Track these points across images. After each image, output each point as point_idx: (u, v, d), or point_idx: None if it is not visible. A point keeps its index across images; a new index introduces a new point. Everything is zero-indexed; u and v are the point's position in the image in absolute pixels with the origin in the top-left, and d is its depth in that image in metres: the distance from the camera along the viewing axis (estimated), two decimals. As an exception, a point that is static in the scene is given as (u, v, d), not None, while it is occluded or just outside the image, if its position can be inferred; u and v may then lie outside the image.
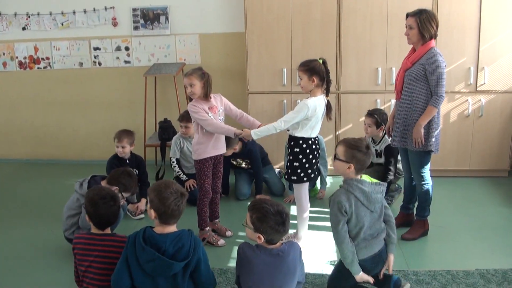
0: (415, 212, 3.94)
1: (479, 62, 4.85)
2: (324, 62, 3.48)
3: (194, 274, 2.61)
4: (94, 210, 2.77)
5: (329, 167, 4.85)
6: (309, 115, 3.44)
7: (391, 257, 2.97)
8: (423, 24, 3.52)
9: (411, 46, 3.72)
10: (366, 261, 2.88)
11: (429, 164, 3.75)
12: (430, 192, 3.78)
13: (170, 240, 2.52)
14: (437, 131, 3.66)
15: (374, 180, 2.94)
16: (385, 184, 2.96)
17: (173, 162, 4.68)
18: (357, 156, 2.82)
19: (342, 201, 2.78)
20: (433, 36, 3.58)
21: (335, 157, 2.92)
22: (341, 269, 2.97)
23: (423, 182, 3.74)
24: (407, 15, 3.64)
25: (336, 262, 3.35)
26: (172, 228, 2.60)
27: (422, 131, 3.57)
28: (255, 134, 3.53)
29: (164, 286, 2.55)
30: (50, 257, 3.69)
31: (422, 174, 3.73)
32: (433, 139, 3.62)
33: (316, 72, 3.43)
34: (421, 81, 3.57)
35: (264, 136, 3.58)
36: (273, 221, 2.51)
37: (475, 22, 4.77)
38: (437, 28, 3.57)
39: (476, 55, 4.84)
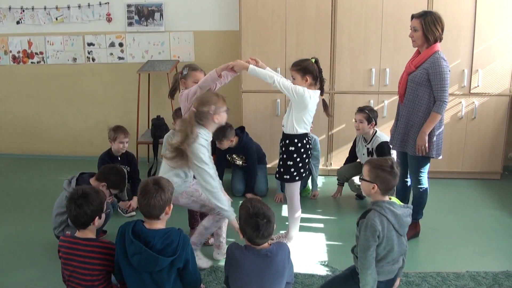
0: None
1: (473, 64, 4.85)
2: (316, 62, 3.46)
3: (182, 273, 2.63)
4: (67, 209, 2.72)
5: (320, 167, 4.85)
6: (305, 100, 3.37)
7: (398, 281, 2.89)
8: (428, 26, 3.44)
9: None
10: (381, 283, 2.76)
11: (427, 167, 3.70)
12: (426, 196, 3.76)
13: (159, 236, 2.54)
14: (438, 132, 3.59)
15: (401, 203, 2.82)
16: (411, 206, 2.84)
17: (165, 159, 4.65)
18: (381, 176, 2.66)
19: (376, 225, 2.61)
20: (438, 39, 3.50)
21: (361, 178, 2.81)
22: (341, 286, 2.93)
23: (420, 185, 3.72)
24: (412, 17, 3.55)
25: (336, 273, 3.32)
26: (160, 225, 2.62)
27: (426, 138, 3.52)
28: (253, 67, 3.36)
29: (148, 282, 2.56)
30: (40, 253, 3.67)
31: (419, 177, 3.70)
32: (434, 145, 3.57)
33: (309, 72, 3.41)
34: (424, 85, 3.51)
35: (258, 75, 3.39)
36: (249, 223, 2.54)
37: (470, 24, 4.77)
38: (442, 31, 3.49)
39: (470, 57, 4.84)
